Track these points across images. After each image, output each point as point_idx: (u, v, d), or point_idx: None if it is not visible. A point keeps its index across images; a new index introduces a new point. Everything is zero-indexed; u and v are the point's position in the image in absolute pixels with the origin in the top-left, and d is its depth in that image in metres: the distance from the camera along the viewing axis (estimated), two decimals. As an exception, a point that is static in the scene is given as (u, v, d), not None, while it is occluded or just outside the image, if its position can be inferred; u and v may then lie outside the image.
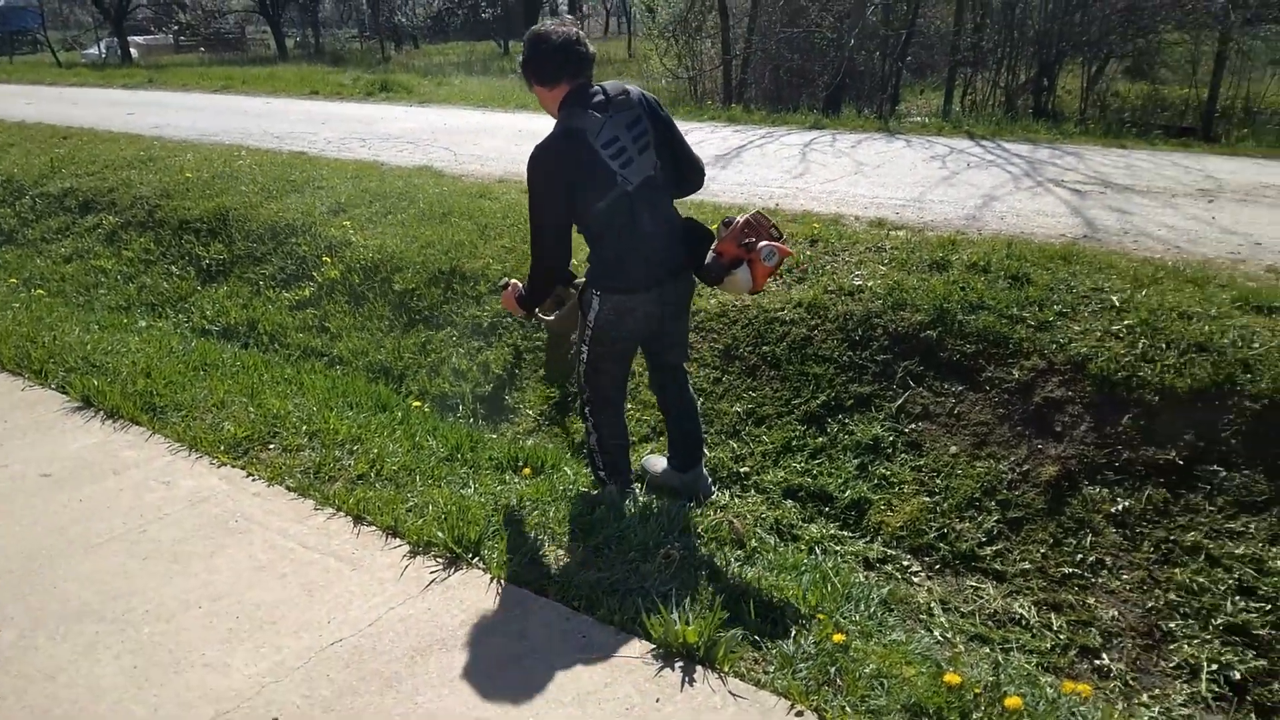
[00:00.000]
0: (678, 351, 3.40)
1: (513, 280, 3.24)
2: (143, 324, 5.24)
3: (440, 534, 2.79)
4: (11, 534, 2.91)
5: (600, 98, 2.87)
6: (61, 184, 7.99)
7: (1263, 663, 2.82)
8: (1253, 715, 2.72)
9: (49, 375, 4.13)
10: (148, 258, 6.65)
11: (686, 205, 5.81)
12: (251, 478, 3.25)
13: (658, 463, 3.72)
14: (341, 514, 3.00)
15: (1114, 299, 3.97)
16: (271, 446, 3.44)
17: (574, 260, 3.08)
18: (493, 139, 9.41)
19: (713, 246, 3.00)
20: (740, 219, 2.97)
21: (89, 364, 4.20)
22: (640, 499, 3.26)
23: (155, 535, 2.89)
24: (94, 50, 31.80)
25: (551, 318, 3.70)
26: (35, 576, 2.68)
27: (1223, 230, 5.17)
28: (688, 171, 3.12)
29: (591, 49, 2.92)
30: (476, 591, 2.58)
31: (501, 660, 2.31)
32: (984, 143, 8.50)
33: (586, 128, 2.82)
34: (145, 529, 2.92)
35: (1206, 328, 3.67)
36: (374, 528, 2.92)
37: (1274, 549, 3.05)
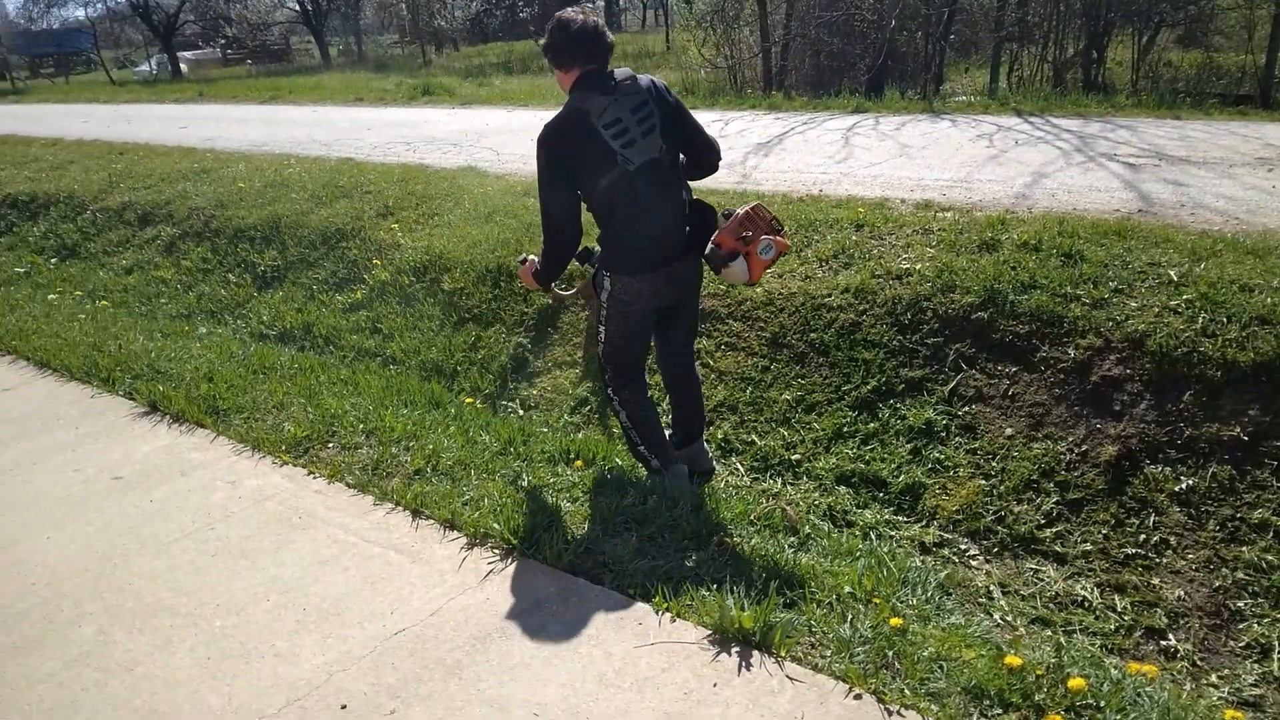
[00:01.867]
0: (687, 330, 3.48)
1: (530, 256, 3.33)
2: (203, 330, 5.39)
3: (497, 525, 2.84)
4: (86, 535, 3.03)
5: (608, 82, 2.99)
6: (120, 198, 8.24)
7: (1338, 641, 2.74)
8: (1328, 694, 2.65)
9: (116, 382, 4.27)
10: (205, 266, 6.83)
11: (727, 193, 5.81)
12: (312, 475, 3.33)
13: None
14: (400, 508, 3.07)
15: (1171, 273, 3.88)
16: (330, 445, 3.52)
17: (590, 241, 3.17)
18: (534, 137, 9.47)
19: (713, 238, 3.07)
20: (740, 212, 3.05)
21: (154, 370, 4.33)
22: (693, 488, 3.28)
23: (223, 533, 2.98)
24: (145, 67, 32.68)
25: (570, 293, 3.81)
26: (111, 575, 2.78)
27: (1285, 199, 5.01)
28: (702, 154, 3.20)
29: (609, 38, 3.03)
30: (534, 581, 2.62)
31: (560, 648, 2.34)
32: (1032, 119, 8.34)
33: (590, 108, 2.94)
34: (213, 527, 3.02)
35: (1269, 300, 3.56)
36: (432, 521, 2.98)
37: (1347, 524, 2.96)
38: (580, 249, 3.22)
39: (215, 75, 27.62)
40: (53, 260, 7.79)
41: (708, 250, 3.07)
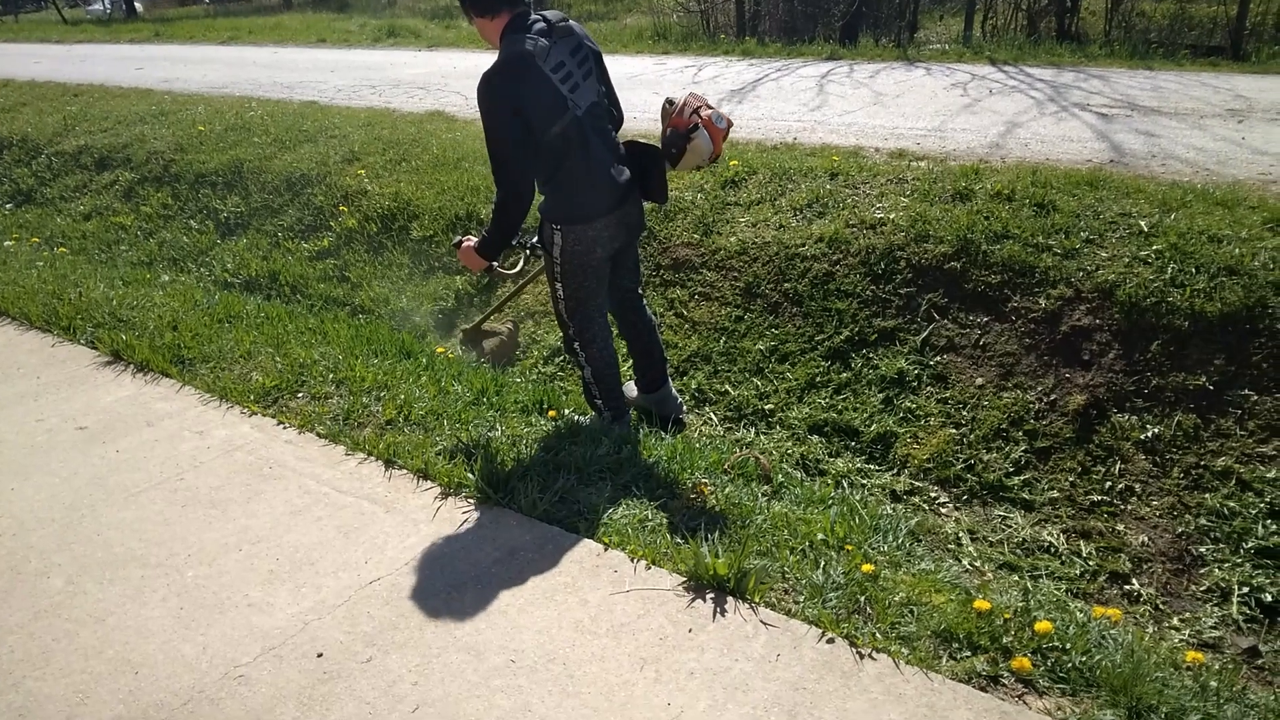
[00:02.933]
0: (632, 275, 3.49)
1: (465, 236, 3.22)
2: (165, 279, 5.26)
3: (470, 475, 2.82)
4: (52, 486, 2.97)
5: (542, 25, 2.88)
6: (76, 141, 7.99)
7: (1293, 583, 2.83)
8: (1282, 635, 2.74)
9: (77, 331, 4.17)
10: (166, 213, 6.66)
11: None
12: (282, 426, 3.29)
13: (630, 389, 3.81)
14: (372, 459, 3.04)
15: (1142, 224, 3.90)
16: (300, 395, 3.48)
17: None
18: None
19: (665, 129, 3.13)
20: (680, 99, 3.16)
21: (116, 319, 4.24)
22: (666, 438, 3.29)
23: (192, 483, 2.94)
24: (98, 6, 31.48)
25: (513, 271, 3.73)
26: (78, 525, 2.74)
27: (1253, 151, 5.05)
28: (612, 104, 3.20)
29: None
30: (508, 531, 2.62)
31: (535, 596, 2.35)
32: (1006, 68, 8.30)
33: (535, 52, 2.81)
34: (182, 477, 2.98)
35: (1237, 250, 3.60)
36: (405, 471, 2.96)
37: (1305, 471, 3.03)
38: (523, 236, 3.23)
39: (172, 14, 26.67)
40: (8, 206, 7.56)
41: (666, 136, 3.13)
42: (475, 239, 3.15)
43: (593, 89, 3.00)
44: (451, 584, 2.40)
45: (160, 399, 3.55)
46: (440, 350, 4.28)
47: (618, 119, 3.24)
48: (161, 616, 2.33)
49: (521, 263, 3.88)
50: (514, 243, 3.20)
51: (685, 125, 3.11)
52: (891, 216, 4.31)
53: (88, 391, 3.64)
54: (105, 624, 2.31)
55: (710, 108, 3.15)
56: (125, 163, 7.40)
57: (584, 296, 3.22)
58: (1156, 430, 3.29)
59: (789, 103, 7.27)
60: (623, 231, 3.20)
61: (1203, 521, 3.05)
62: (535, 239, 3.28)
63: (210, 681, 2.10)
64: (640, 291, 3.59)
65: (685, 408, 3.94)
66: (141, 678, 2.13)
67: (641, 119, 6.85)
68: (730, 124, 3.20)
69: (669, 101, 3.17)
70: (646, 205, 3.72)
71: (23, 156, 8.15)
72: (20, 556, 2.60)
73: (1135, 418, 3.35)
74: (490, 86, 2.82)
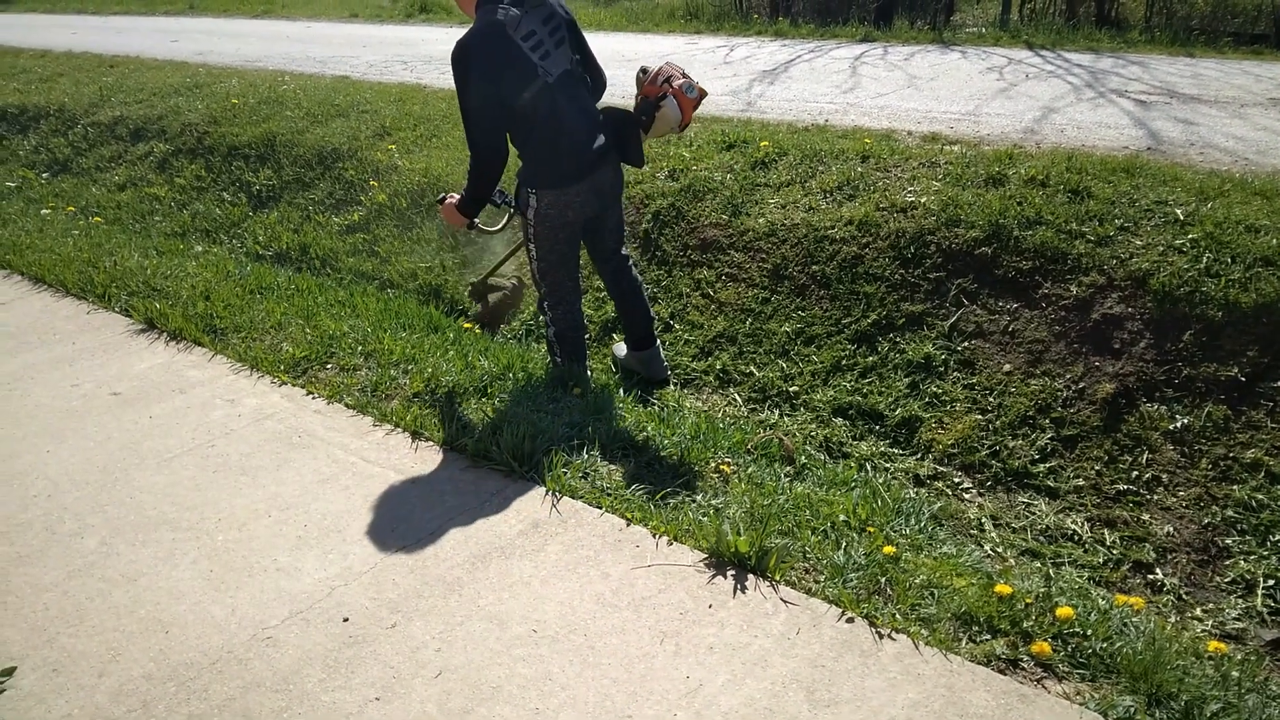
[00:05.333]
0: (615, 237, 3.61)
1: (449, 194, 3.35)
2: (199, 249, 5.33)
3: (495, 449, 2.85)
4: (86, 449, 3.03)
5: None
6: (111, 112, 8.08)
7: (1321, 578, 2.80)
8: (1308, 629, 2.72)
9: (112, 299, 4.24)
10: (199, 185, 6.73)
11: (731, 120, 5.70)
12: (311, 396, 3.34)
13: (620, 348, 4.01)
14: (399, 430, 3.08)
15: (1178, 212, 3.84)
16: (329, 366, 3.52)
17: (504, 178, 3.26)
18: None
19: (638, 95, 3.22)
20: (654, 67, 3.25)
21: (150, 288, 4.30)
22: (689, 416, 3.30)
23: (223, 450, 2.99)
24: (134, -22, 31.66)
25: (495, 229, 3.90)
26: (112, 488, 2.80)
27: (1296, 140, 4.95)
28: (591, 70, 3.30)
29: None
30: (533, 503, 2.65)
31: (558, 568, 2.37)
32: (1043, 53, 8.17)
33: (506, 21, 2.96)
34: (213, 444, 3.03)
35: (1275, 241, 3.54)
36: (431, 443, 2.99)
37: (1338, 465, 2.99)
38: (497, 193, 3.29)
39: (206, -12, 26.82)
40: (44, 175, 7.67)
41: (638, 104, 3.22)
42: (457, 197, 3.30)
43: (565, 57, 3.12)
44: (475, 554, 2.43)
45: (192, 367, 3.60)
46: (467, 326, 4.31)
47: (597, 85, 3.34)
48: (192, 578, 2.38)
49: (505, 220, 3.93)
50: (495, 203, 3.34)
51: (655, 94, 3.20)
52: (923, 200, 4.28)
53: (122, 358, 3.70)
54: (137, 584, 2.37)
55: (683, 77, 3.22)
56: (160, 134, 7.48)
57: (556, 259, 3.36)
58: (1186, 420, 3.25)
59: (821, 84, 7.21)
60: (595, 197, 3.30)
61: (1230, 513, 3.02)
62: (513, 200, 3.40)
63: (239, 642, 2.15)
64: (625, 253, 3.71)
65: (671, 372, 4.07)
66: (172, 637, 2.18)
67: (672, 98, 6.82)
68: (703, 94, 3.26)
69: (643, 70, 3.27)
70: (635, 171, 3.79)
71: (59, 126, 8.26)
72: (55, 517, 2.67)
73: (1165, 408, 3.31)
74: (462, 54, 2.97)
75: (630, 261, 3.76)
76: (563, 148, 3.16)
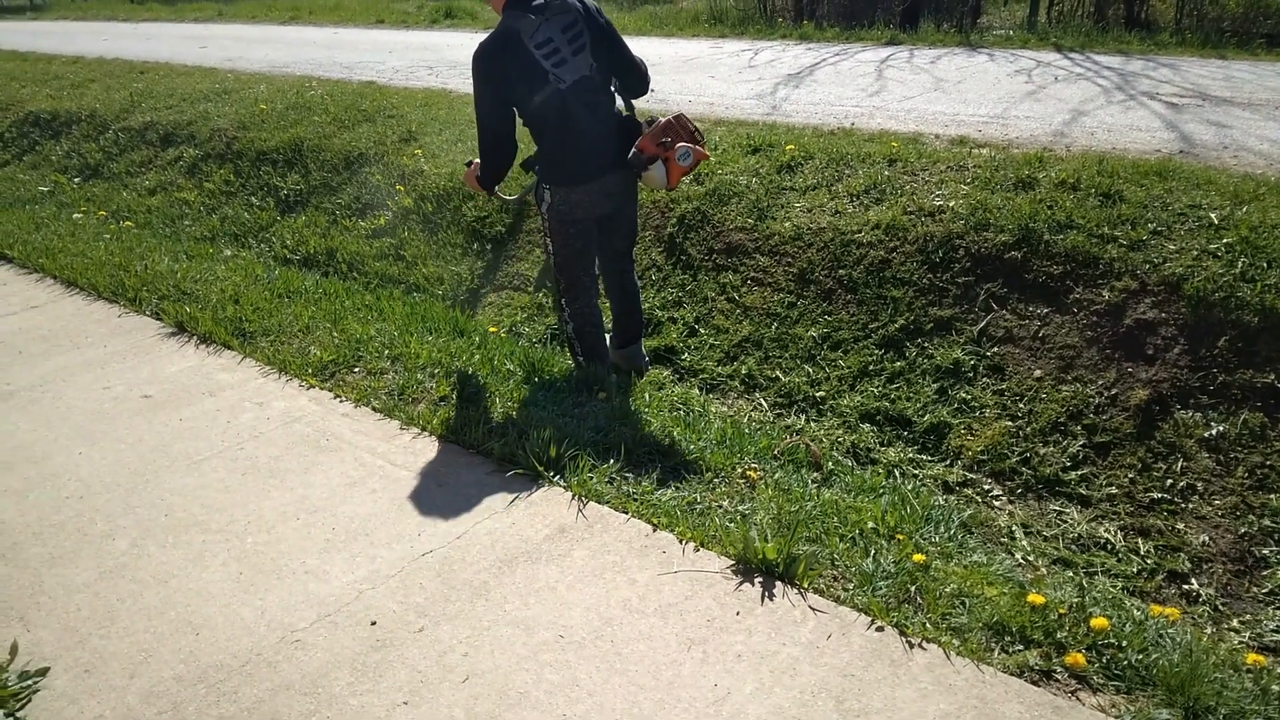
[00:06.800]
0: (625, 239, 3.70)
1: (476, 160, 3.48)
2: (228, 253, 5.38)
3: (521, 453, 2.85)
4: (118, 451, 3.07)
5: (539, 2, 3.09)
6: (142, 118, 8.18)
7: (1362, 590, 2.74)
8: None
9: (143, 302, 4.29)
10: (228, 189, 6.80)
11: (756, 124, 5.68)
12: (339, 399, 3.35)
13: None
14: (426, 434, 3.08)
15: (1212, 216, 3.78)
16: (356, 370, 3.53)
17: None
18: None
19: (636, 142, 3.25)
20: (662, 120, 3.24)
21: (180, 292, 4.34)
22: (715, 421, 3.28)
23: (252, 453, 3.01)
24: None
25: (513, 198, 4.04)
26: (143, 490, 2.83)
27: (1333, 143, 4.86)
28: (625, 75, 3.35)
29: None
30: (559, 508, 2.64)
31: (585, 573, 2.37)
32: (1072, 55, 8.09)
33: (521, 29, 3.08)
34: (242, 446, 3.05)
35: (1314, 245, 3.48)
36: (458, 447, 3.00)
37: (1379, 475, 2.93)
38: (525, 157, 3.40)
39: (234, -5, 27.15)
40: (76, 180, 7.77)
41: (630, 155, 3.25)
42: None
43: (584, 63, 3.18)
44: (502, 559, 2.43)
45: (222, 370, 3.63)
46: (493, 330, 4.31)
47: (637, 83, 3.38)
48: (222, 580, 2.39)
49: (525, 191, 3.98)
50: (524, 168, 3.45)
51: (649, 154, 3.22)
52: (951, 204, 4.24)
53: (153, 361, 3.74)
54: (168, 586, 2.38)
55: (686, 138, 3.23)
56: (189, 139, 7.56)
57: (570, 254, 3.46)
58: (1221, 428, 3.20)
59: (847, 88, 7.17)
60: (605, 199, 3.39)
61: (1266, 522, 2.97)
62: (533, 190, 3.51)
63: (268, 645, 2.16)
64: (631, 255, 3.81)
65: (649, 363, 4.15)
66: (202, 639, 2.19)
67: (696, 102, 6.81)
68: (701, 159, 3.25)
69: (648, 122, 3.29)
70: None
71: (91, 132, 8.37)
72: (87, 519, 2.69)
73: (1199, 414, 3.26)
74: (477, 58, 3.13)
75: (633, 264, 3.88)
76: (573, 149, 3.26)
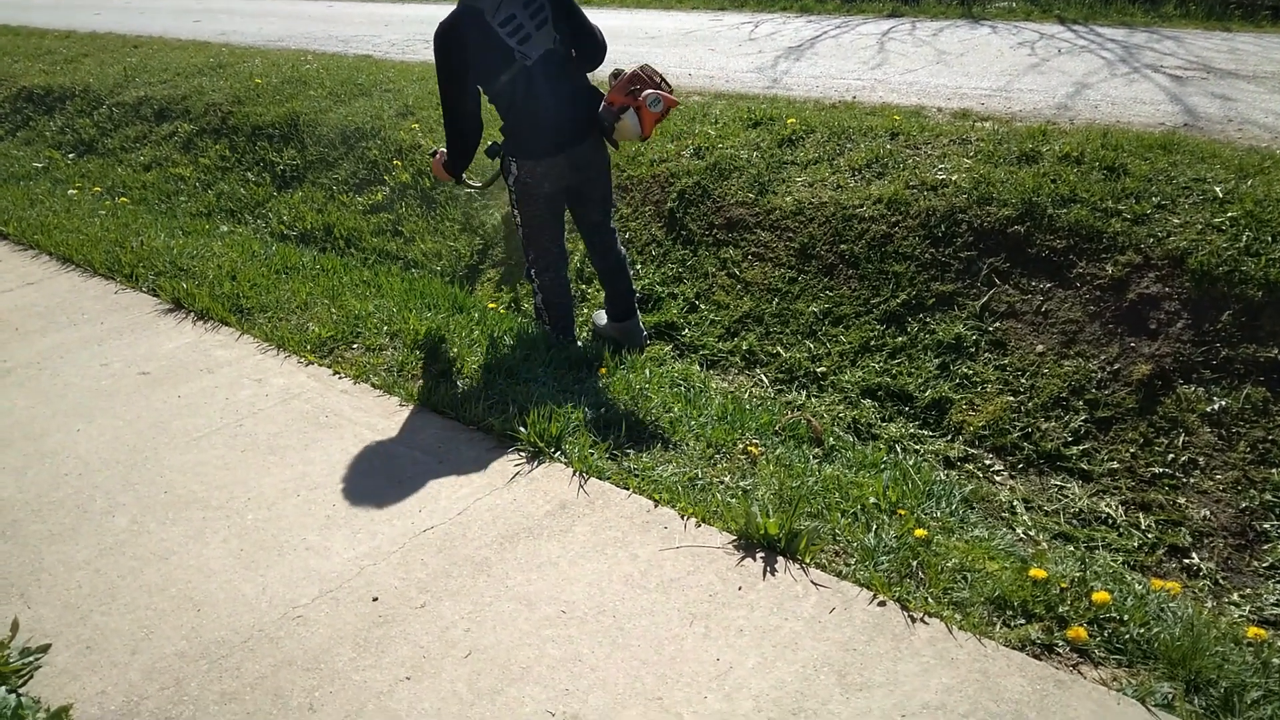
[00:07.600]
0: (600, 210, 3.67)
1: (442, 149, 3.49)
2: (224, 229, 5.35)
3: (522, 429, 2.84)
4: (116, 428, 3.05)
5: None
6: (136, 93, 8.10)
7: (1362, 564, 2.74)
8: (1349, 616, 2.66)
9: (140, 279, 4.26)
10: (224, 164, 6.74)
11: (757, 98, 5.63)
12: (338, 375, 3.34)
13: (601, 316, 4.07)
14: (426, 410, 3.07)
15: (1216, 190, 3.75)
16: (355, 346, 3.52)
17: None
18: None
19: (604, 98, 3.24)
20: (628, 70, 3.23)
21: (176, 268, 4.31)
22: (716, 397, 3.27)
23: (251, 429, 3.00)
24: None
25: (480, 186, 4.06)
26: (142, 467, 2.82)
27: (1339, 115, 4.82)
28: (585, 44, 3.34)
29: None
30: (560, 484, 2.64)
31: (586, 549, 2.36)
32: (1076, 27, 8.01)
33: (484, 7, 3.07)
34: (241, 423, 3.04)
35: (1319, 219, 3.45)
36: (457, 423, 2.98)
37: (1381, 449, 2.92)
38: (489, 145, 3.39)
39: (228, -32, 26.82)
40: (70, 155, 7.71)
41: (600, 109, 3.24)
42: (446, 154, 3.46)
43: (548, 36, 3.17)
44: (503, 535, 2.43)
45: (220, 346, 3.62)
46: (491, 306, 4.29)
47: (594, 53, 3.37)
48: (222, 557, 2.39)
49: (493, 176, 3.95)
50: (489, 155, 3.46)
51: (619, 103, 3.19)
52: (953, 178, 4.20)
53: (150, 338, 3.72)
54: (168, 562, 2.38)
55: (653, 88, 3.20)
56: (184, 114, 7.49)
57: (537, 225, 3.49)
58: (1224, 403, 3.19)
59: (848, 61, 7.10)
60: (571, 170, 3.39)
61: (1268, 497, 2.96)
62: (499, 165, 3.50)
63: (270, 621, 2.15)
64: (611, 225, 3.78)
65: (648, 338, 4.13)
66: (203, 615, 2.19)
67: (696, 75, 6.75)
68: (671, 105, 3.22)
69: (615, 73, 3.27)
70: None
71: (85, 107, 8.29)
72: (86, 496, 2.68)
73: (1202, 389, 3.25)
74: (439, 38, 3.13)
75: (616, 235, 3.84)
76: (537, 125, 3.26)
